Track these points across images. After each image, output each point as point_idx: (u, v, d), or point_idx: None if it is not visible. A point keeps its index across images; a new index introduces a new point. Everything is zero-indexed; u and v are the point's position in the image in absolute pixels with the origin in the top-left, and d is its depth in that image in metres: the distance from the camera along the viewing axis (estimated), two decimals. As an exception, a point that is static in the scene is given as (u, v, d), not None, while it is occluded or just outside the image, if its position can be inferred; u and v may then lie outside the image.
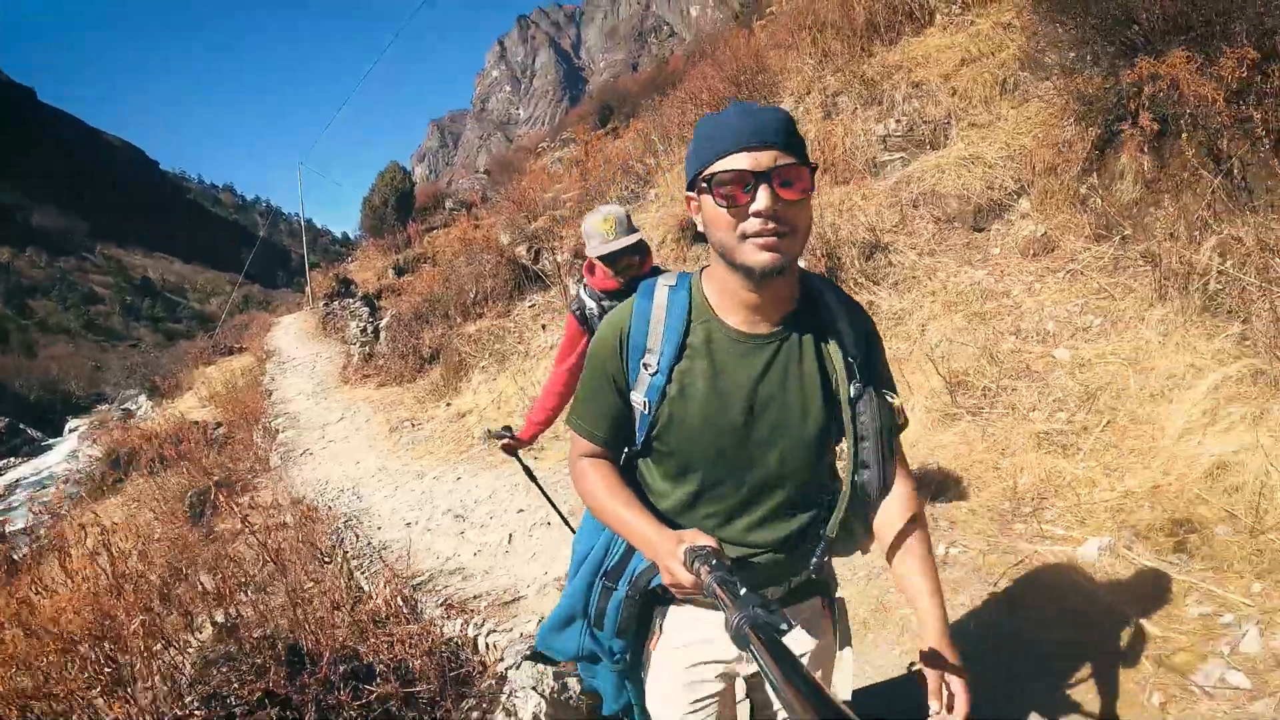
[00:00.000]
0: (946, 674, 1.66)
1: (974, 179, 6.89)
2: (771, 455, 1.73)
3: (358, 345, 14.93)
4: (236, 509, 5.08)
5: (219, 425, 14.01)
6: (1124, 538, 3.57)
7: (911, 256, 6.53)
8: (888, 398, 1.75)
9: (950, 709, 1.65)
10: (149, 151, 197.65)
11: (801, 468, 1.76)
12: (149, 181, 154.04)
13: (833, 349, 1.72)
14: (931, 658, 1.69)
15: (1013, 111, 7.38)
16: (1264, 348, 4.10)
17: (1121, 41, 5.99)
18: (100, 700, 3.10)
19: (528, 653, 3.36)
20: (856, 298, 6.29)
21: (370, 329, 15.02)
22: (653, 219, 10.21)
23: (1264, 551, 3.22)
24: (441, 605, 4.31)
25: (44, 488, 27.77)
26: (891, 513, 1.80)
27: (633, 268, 3.55)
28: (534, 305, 11.81)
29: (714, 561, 1.47)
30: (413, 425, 9.76)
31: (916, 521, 1.81)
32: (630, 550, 1.89)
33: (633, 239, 3.48)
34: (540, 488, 4.31)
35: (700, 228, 1.63)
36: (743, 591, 1.34)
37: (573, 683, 3.11)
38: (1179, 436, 3.89)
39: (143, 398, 25.48)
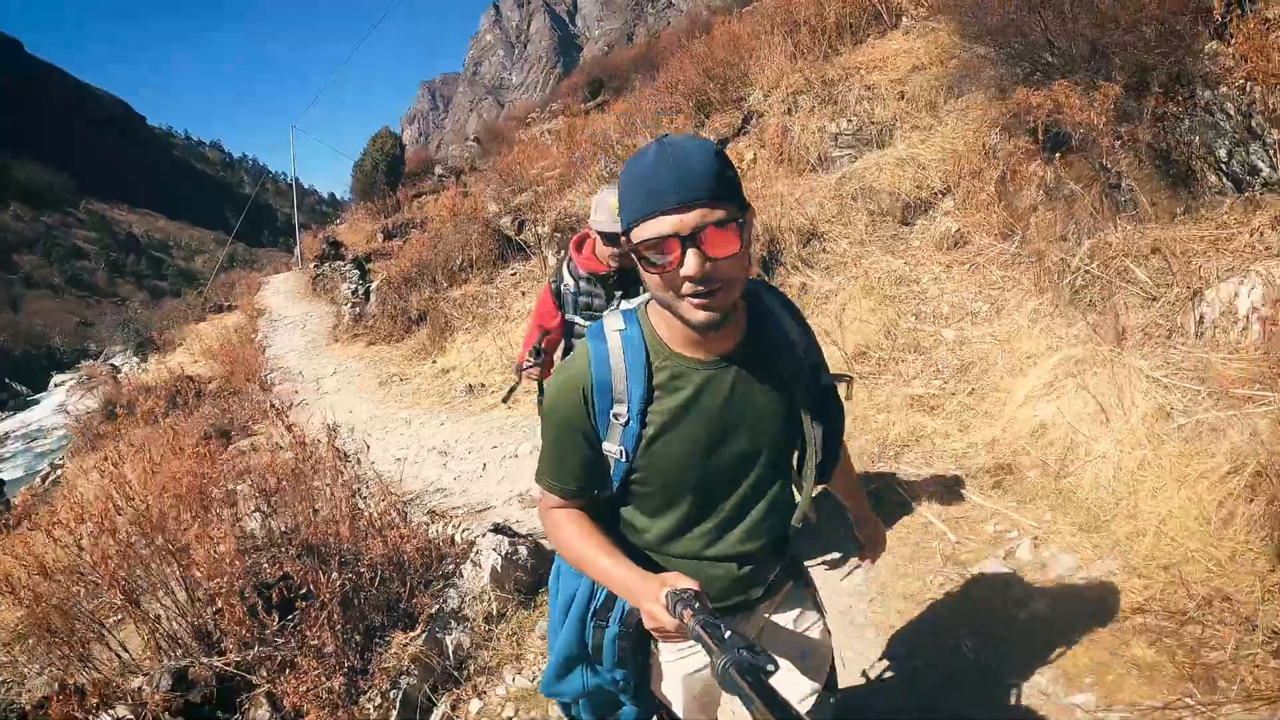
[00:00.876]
0: (871, 530, 2.32)
1: (907, 178, 7.80)
2: (751, 467, 1.84)
3: (349, 306, 15.74)
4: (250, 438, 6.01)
5: (212, 379, 14.80)
6: (957, 477, 4.60)
7: (844, 245, 7.49)
8: (834, 382, 1.94)
9: (871, 555, 2.33)
10: (136, 106, 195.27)
11: (779, 471, 1.90)
12: (135, 136, 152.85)
13: (786, 354, 1.84)
14: (860, 524, 2.32)
15: (951, 118, 8.29)
16: (1103, 335, 5.06)
17: (1025, 70, 6.93)
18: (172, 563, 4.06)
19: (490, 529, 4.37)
20: (792, 280, 7.25)
21: (361, 290, 15.82)
22: (627, 199, 11.14)
23: (1061, 491, 4.23)
24: (427, 514, 5.31)
25: (33, 440, 28.50)
26: (842, 475, 2.22)
27: (626, 257, 3.43)
28: (515, 273, 12.70)
29: (696, 605, 1.54)
30: (401, 379, 10.71)
31: (849, 467, 2.27)
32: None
33: None
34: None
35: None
36: (727, 635, 1.41)
37: (522, 548, 4.15)
38: (1021, 403, 4.87)
39: (129, 353, 25.83)
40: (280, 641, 3.74)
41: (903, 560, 4.02)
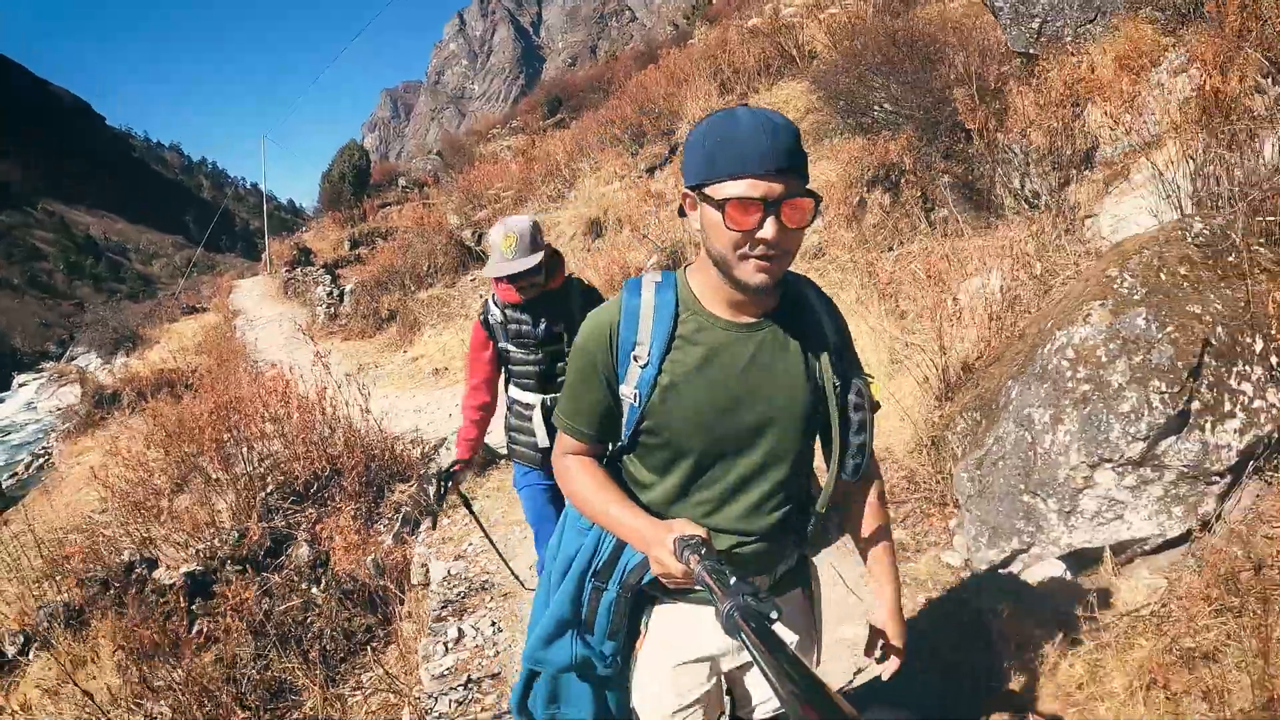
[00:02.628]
0: (890, 641, 2.04)
1: (787, 203, 9.98)
2: (761, 440, 1.83)
3: (323, 306, 17.67)
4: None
5: (194, 371, 16.41)
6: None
7: (734, 255, 9.65)
8: (864, 383, 1.91)
9: (884, 661, 2.07)
10: (95, 105, 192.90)
11: (789, 452, 1.86)
12: (94, 136, 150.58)
13: (816, 340, 1.85)
14: (882, 629, 2.04)
15: (834, 151, 10.48)
16: (889, 320, 7.18)
17: (865, 122, 9.17)
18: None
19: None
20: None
21: (336, 293, 17.79)
22: (569, 216, 13.30)
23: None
24: (410, 441, 7.38)
25: (6, 435, 29.55)
26: (865, 515, 2.06)
27: (537, 286, 3.60)
28: (474, 279, 14.90)
29: (703, 551, 1.58)
30: (376, 366, 12.74)
31: (884, 526, 2.07)
32: (619, 548, 1.94)
33: (529, 263, 3.48)
34: (484, 530, 4.47)
35: (694, 227, 1.70)
36: (733, 580, 1.44)
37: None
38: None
39: (93, 354, 26.63)
40: (312, 510, 5.82)
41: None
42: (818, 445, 1.98)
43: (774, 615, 1.34)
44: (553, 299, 3.72)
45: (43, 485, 13.21)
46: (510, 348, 3.77)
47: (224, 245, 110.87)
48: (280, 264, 26.47)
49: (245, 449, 6.48)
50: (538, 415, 3.76)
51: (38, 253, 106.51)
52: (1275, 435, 3.40)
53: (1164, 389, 3.39)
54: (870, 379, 1.94)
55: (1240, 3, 5.47)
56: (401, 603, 4.95)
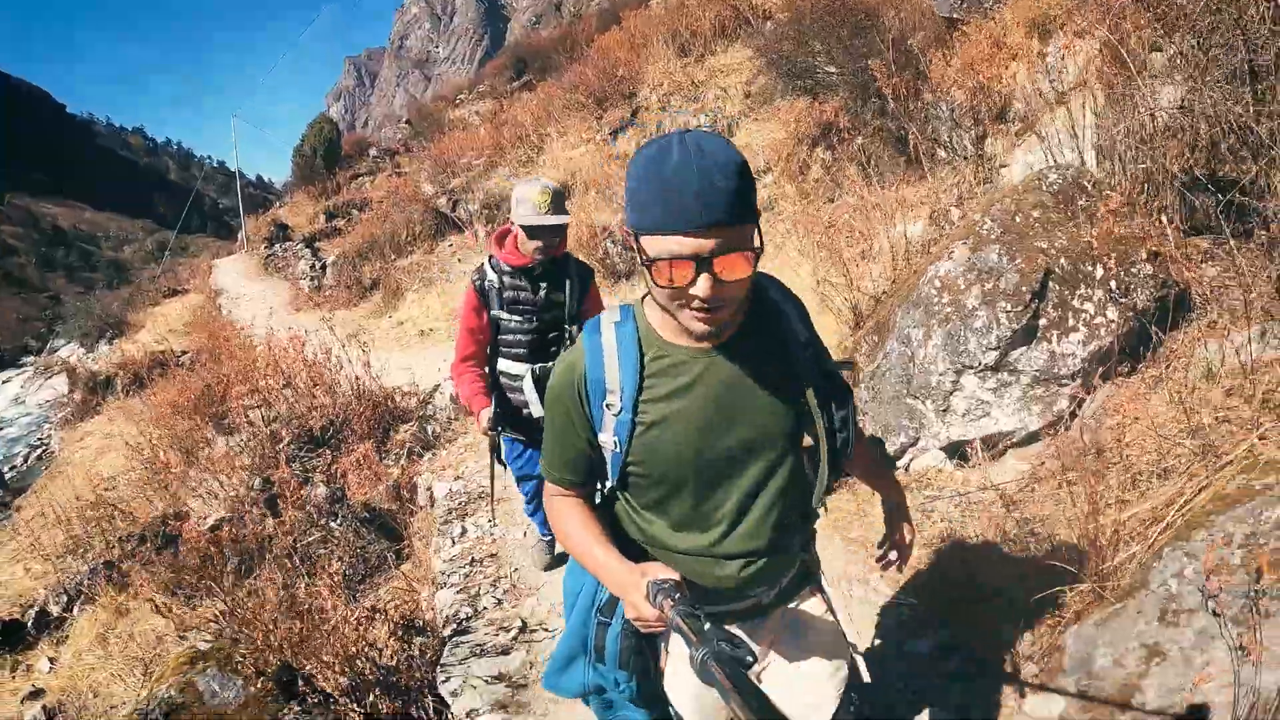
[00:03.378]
0: (903, 531, 2.23)
1: (740, 160, 10.80)
2: (752, 460, 1.84)
3: (307, 280, 18.35)
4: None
5: (185, 352, 16.96)
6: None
7: (692, 212, 10.48)
8: (839, 369, 1.97)
9: (900, 555, 2.25)
10: (54, 94, 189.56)
11: (782, 465, 1.87)
12: (56, 126, 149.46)
13: (787, 345, 1.85)
14: (889, 519, 2.26)
15: (779, 112, 11.27)
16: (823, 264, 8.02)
17: (807, 84, 9.97)
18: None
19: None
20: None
21: (319, 265, 18.48)
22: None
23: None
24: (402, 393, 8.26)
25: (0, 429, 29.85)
26: (862, 468, 2.33)
27: (551, 248, 3.64)
28: (452, 245, 15.69)
29: (676, 595, 1.58)
30: (364, 332, 13.51)
31: (882, 466, 2.33)
32: None
33: (563, 219, 3.58)
34: (502, 464, 4.42)
35: (640, 265, 1.64)
36: (706, 626, 1.46)
37: None
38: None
39: (75, 344, 26.94)
40: (327, 453, 6.69)
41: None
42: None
43: (749, 660, 1.38)
44: (554, 268, 3.78)
45: (49, 472, 13.80)
46: (504, 315, 3.79)
47: (195, 226, 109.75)
48: (259, 241, 26.91)
49: (265, 408, 7.36)
50: (528, 383, 3.84)
51: (8, 248, 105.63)
52: (1117, 346, 4.27)
53: (1009, 309, 4.30)
54: (852, 363, 2.00)
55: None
56: (412, 515, 5.88)
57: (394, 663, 3.96)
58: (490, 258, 3.81)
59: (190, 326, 18.76)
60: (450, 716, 3.70)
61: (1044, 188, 4.76)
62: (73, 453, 13.90)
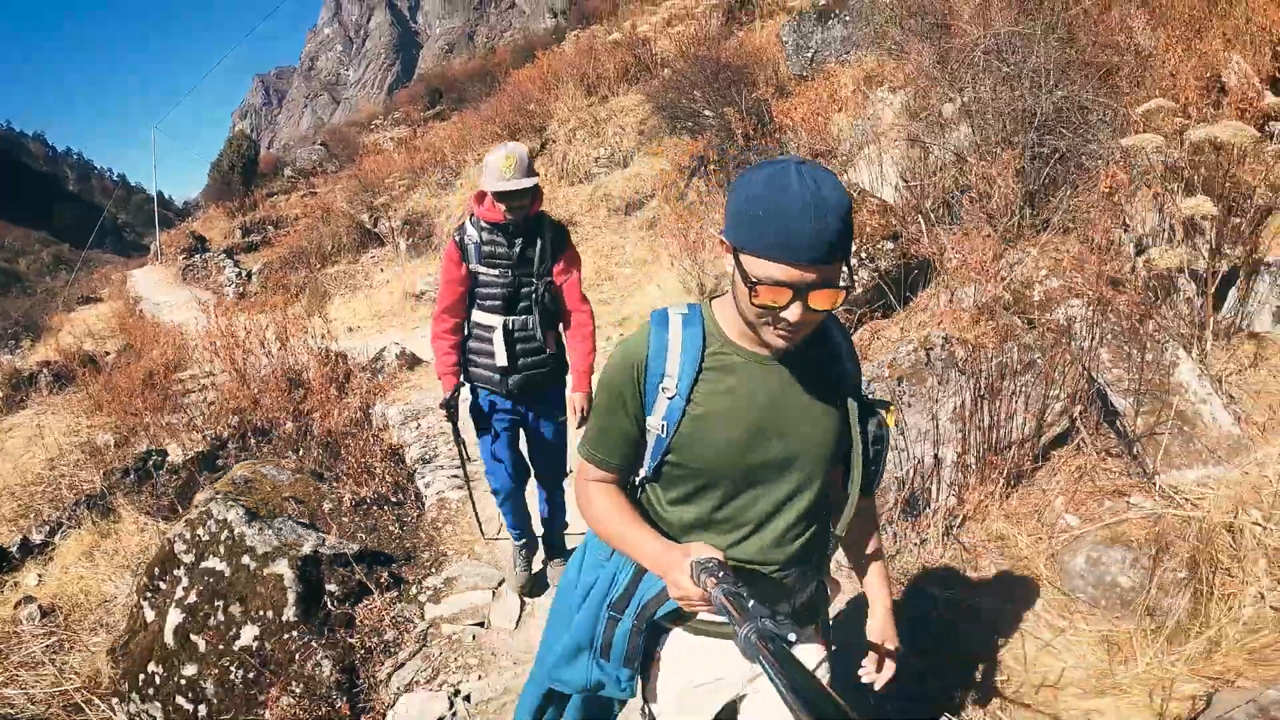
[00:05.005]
0: (886, 646, 2.13)
1: (632, 187, 12.94)
2: (789, 472, 1.91)
3: (231, 286, 19.75)
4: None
5: (109, 354, 17.80)
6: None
7: (589, 228, 12.55)
8: (883, 411, 2.00)
9: (879, 671, 2.13)
10: None
11: (814, 483, 1.95)
12: None
13: (837, 370, 1.95)
14: (876, 633, 2.15)
15: (665, 148, 13.42)
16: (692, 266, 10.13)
17: (689, 126, 12.17)
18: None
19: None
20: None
21: (244, 274, 19.97)
22: (456, 200, 16.14)
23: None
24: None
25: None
26: (860, 530, 2.16)
27: (523, 208, 3.91)
28: (374, 256, 17.56)
29: (721, 574, 1.61)
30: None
31: (878, 543, 2.22)
32: (635, 580, 2.03)
33: (527, 183, 3.81)
34: (463, 444, 4.74)
35: (726, 270, 1.83)
36: (750, 603, 1.47)
37: (394, 350, 9.02)
38: (648, 293, 9.94)
39: None
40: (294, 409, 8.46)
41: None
42: None
43: (792, 637, 1.38)
44: (528, 225, 4.02)
45: None
46: (481, 269, 4.03)
47: (93, 242, 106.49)
48: (176, 252, 27.73)
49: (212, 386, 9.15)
50: (498, 336, 4.08)
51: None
52: (866, 297, 6.36)
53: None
54: (890, 406, 2.00)
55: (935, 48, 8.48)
56: (368, 426, 7.75)
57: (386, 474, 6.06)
58: (471, 215, 4.07)
59: (115, 328, 19.61)
60: (424, 497, 5.85)
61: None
62: None
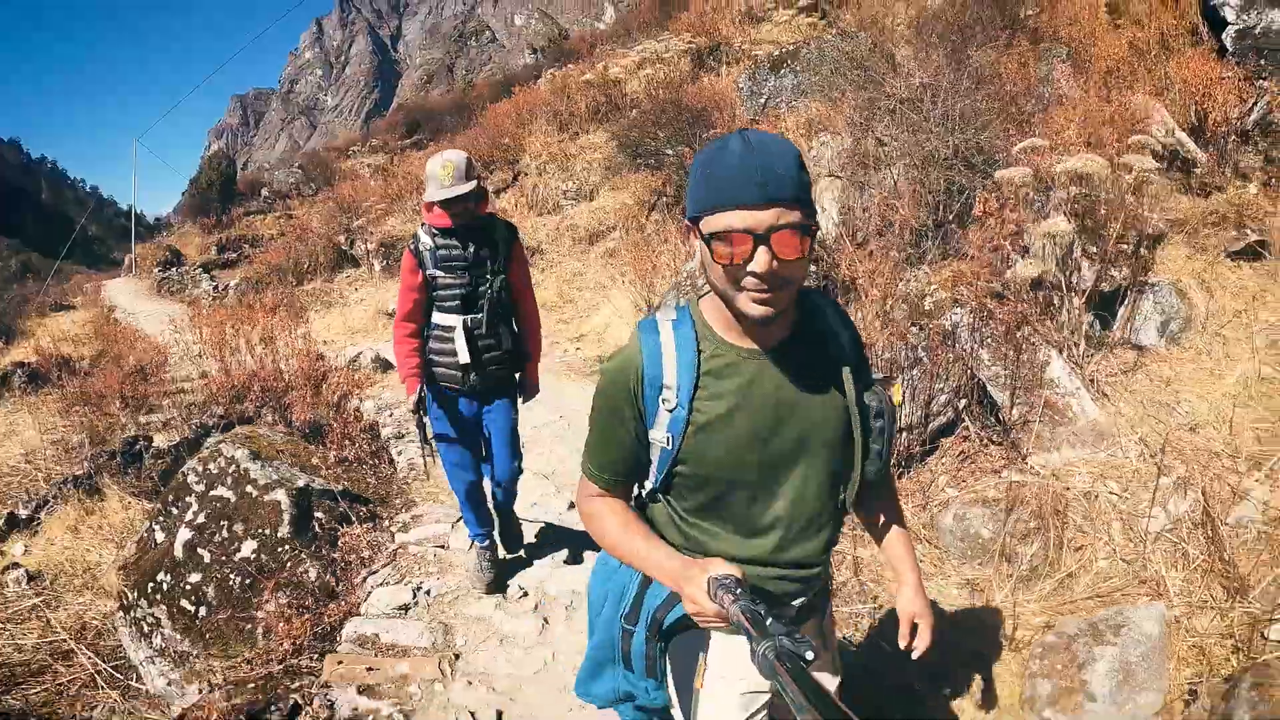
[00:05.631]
0: (918, 617, 2.08)
1: (596, 219, 13.91)
2: (798, 465, 1.90)
3: (209, 299, 20.52)
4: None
5: (84, 358, 18.37)
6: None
7: (554, 255, 13.52)
8: (884, 389, 1.98)
9: (915, 642, 2.09)
10: None
11: (825, 474, 1.94)
12: None
13: (836, 356, 1.91)
14: (907, 605, 2.10)
15: (627, 182, 14.43)
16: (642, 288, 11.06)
17: (649, 164, 13.20)
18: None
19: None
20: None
21: (221, 287, 20.75)
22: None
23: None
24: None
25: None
26: (881, 511, 2.18)
27: (468, 213, 4.08)
28: (349, 275, 18.40)
29: (738, 590, 1.61)
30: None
31: (900, 519, 2.20)
32: (643, 590, 2.05)
33: (465, 188, 3.94)
34: (430, 444, 4.85)
35: (697, 262, 1.84)
36: (769, 621, 1.47)
37: (370, 353, 9.86)
38: (602, 316, 10.86)
39: None
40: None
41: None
42: None
43: (810, 656, 1.37)
44: (479, 228, 4.18)
45: None
46: (438, 273, 4.16)
47: (62, 252, 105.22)
48: (152, 265, 28.46)
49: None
50: (459, 334, 4.22)
51: None
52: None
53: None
54: (892, 380, 1.92)
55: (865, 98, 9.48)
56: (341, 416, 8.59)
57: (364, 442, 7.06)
58: (423, 224, 4.21)
59: (91, 334, 19.99)
60: (396, 461, 7.02)
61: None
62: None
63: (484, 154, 18.12)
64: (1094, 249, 5.64)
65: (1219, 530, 3.83)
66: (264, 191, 37.02)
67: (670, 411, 1.85)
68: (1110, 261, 5.60)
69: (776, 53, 13.06)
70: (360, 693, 4.08)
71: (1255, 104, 6.79)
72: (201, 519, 4.96)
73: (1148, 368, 5.28)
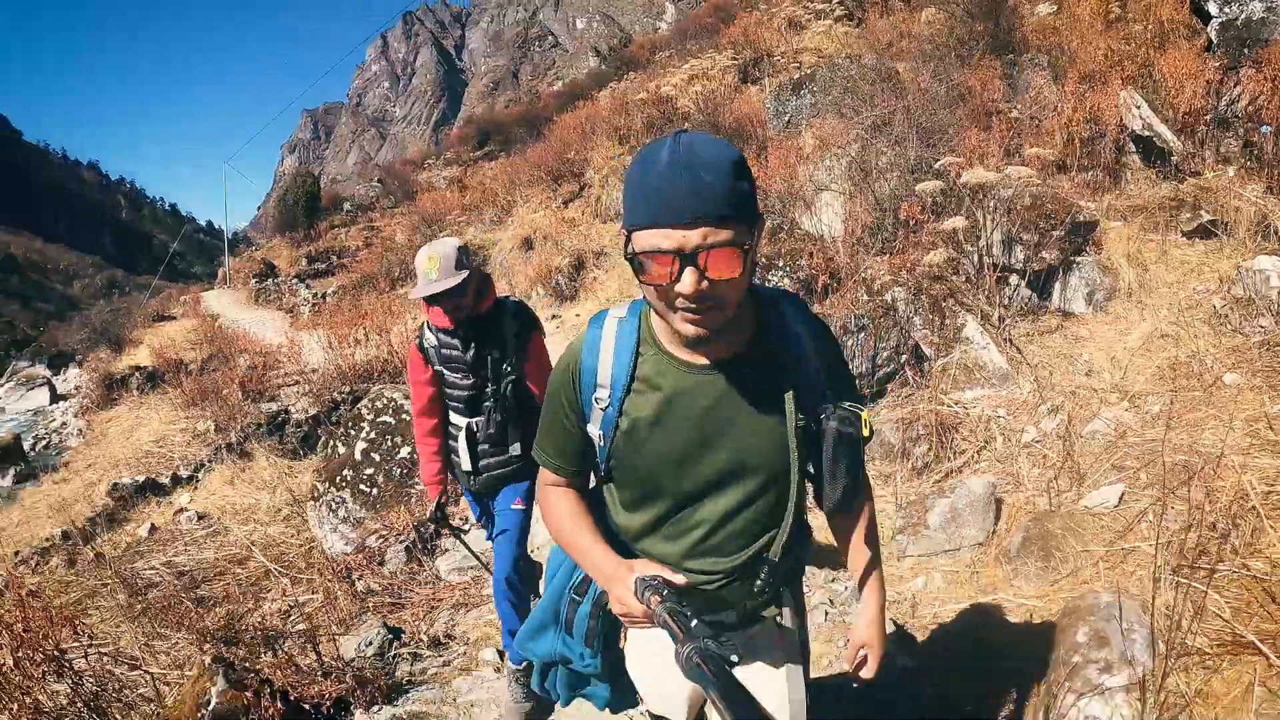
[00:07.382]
0: (868, 647, 2.10)
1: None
2: (733, 485, 1.86)
3: (308, 306, 22.81)
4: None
5: (194, 361, 19.02)
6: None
7: (617, 258, 15.47)
8: (853, 409, 1.82)
9: (860, 669, 2.12)
10: (12, 118, 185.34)
11: (764, 494, 1.88)
12: (10, 153, 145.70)
13: (793, 371, 1.82)
14: (861, 633, 2.11)
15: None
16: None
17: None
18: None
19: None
20: (590, 274, 15.29)
21: (319, 295, 23.12)
22: (508, 235, 18.95)
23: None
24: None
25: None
26: (855, 539, 2.13)
27: (464, 309, 3.71)
28: None
29: (664, 592, 1.64)
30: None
31: (874, 550, 2.14)
32: None
33: (451, 282, 3.55)
34: (469, 549, 5.01)
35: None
36: (694, 622, 1.51)
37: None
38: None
39: (40, 366, 27.69)
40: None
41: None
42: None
43: (734, 659, 1.39)
44: (483, 323, 3.82)
45: (85, 442, 16.16)
46: (445, 371, 3.91)
47: (142, 269, 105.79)
48: (248, 276, 30.77)
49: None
50: (463, 438, 3.97)
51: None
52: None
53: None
54: (861, 407, 1.83)
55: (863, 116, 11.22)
56: None
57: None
58: (426, 321, 3.98)
59: (201, 339, 21.58)
60: None
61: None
62: (103, 431, 16.02)
63: (550, 167, 20.05)
64: (1026, 236, 7.27)
65: (1074, 441, 5.34)
66: (346, 205, 39.26)
67: (603, 410, 1.87)
68: (1041, 245, 7.17)
69: (797, 76, 14.65)
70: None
71: (1235, 92, 7.63)
72: (373, 435, 7.41)
73: (1066, 329, 6.75)
